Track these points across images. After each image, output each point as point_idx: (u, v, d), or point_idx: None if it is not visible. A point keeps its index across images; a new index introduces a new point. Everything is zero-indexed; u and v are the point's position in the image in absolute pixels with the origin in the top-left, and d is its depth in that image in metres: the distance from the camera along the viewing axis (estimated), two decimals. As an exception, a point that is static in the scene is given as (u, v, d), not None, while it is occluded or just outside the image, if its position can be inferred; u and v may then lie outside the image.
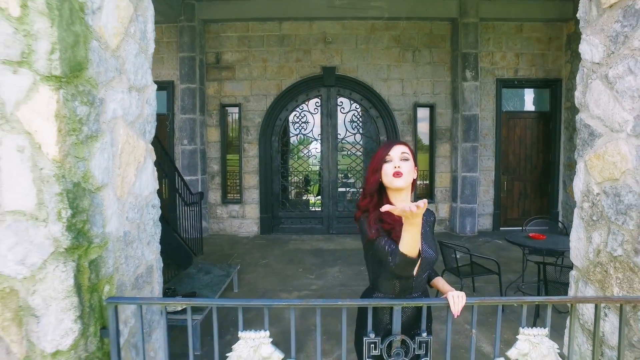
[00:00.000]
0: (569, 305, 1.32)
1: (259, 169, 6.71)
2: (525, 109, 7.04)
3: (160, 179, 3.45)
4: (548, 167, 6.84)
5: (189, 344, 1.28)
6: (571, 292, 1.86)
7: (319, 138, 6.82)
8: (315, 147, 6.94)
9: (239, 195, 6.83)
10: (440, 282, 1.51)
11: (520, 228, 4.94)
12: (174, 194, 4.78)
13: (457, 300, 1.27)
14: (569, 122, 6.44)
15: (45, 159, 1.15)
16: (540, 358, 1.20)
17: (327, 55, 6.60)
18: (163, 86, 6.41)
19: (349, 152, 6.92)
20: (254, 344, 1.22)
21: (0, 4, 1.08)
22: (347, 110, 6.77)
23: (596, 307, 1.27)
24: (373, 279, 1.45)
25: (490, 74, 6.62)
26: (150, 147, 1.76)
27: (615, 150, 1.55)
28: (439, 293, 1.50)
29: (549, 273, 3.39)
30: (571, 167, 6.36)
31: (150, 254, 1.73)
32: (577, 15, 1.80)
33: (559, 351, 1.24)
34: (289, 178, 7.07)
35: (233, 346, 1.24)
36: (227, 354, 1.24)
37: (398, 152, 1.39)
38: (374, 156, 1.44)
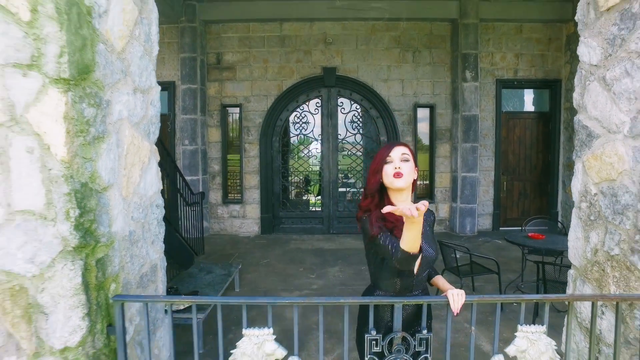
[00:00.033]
0: (567, 303, 1.34)
1: (260, 169, 6.73)
2: (524, 110, 7.06)
3: (161, 179, 3.48)
4: (547, 167, 6.87)
5: (194, 341, 1.31)
6: (569, 290, 1.89)
7: (320, 138, 6.84)
8: (316, 148, 6.96)
9: (239, 195, 6.85)
10: (440, 280, 1.53)
11: (520, 228, 4.96)
12: (175, 194, 4.81)
13: (456, 298, 1.29)
14: (569, 122, 6.46)
15: (54, 160, 1.18)
16: (538, 355, 1.22)
17: (327, 56, 6.63)
18: (164, 87, 6.43)
19: (349, 153, 6.94)
20: (258, 340, 1.25)
21: (10, 9, 1.11)
22: (348, 110, 6.80)
23: (593, 305, 1.30)
24: (374, 277, 1.47)
25: (490, 75, 6.65)
26: (155, 147, 1.79)
27: (612, 151, 1.57)
28: (439, 291, 1.53)
29: (548, 272, 3.41)
30: (570, 167, 6.39)
31: (155, 253, 1.75)
32: (576, 17, 1.83)
33: (556, 348, 1.26)
34: (290, 178, 7.10)
35: (237, 343, 1.26)
36: (231, 351, 1.27)
37: (398, 153, 1.42)
38: (375, 157, 1.46)
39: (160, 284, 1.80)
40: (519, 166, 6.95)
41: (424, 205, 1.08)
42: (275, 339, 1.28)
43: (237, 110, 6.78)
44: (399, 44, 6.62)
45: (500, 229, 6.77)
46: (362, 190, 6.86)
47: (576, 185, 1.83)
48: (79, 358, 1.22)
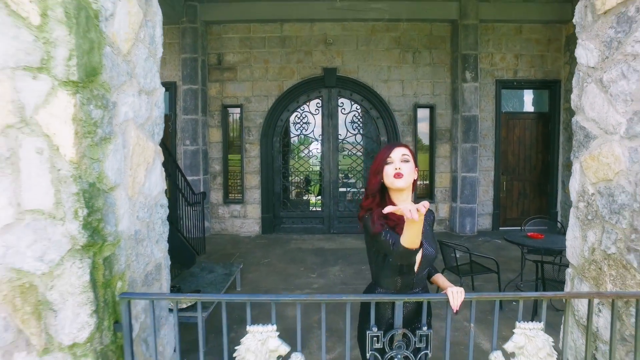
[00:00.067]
0: (564, 301, 1.37)
1: (261, 169, 6.76)
2: (524, 110, 7.09)
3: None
4: (547, 167, 6.90)
5: (199, 337, 1.33)
6: (567, 289, 1.91)
7: (320, 138, 6.88)
8: (316, 148, 6.99)
9: (240, 195, 6.88)
10: (440, 278, 1.56)
11: (520, 228, 4.99)
12: (177, 193, 4.83)
13: (456, 295, 1.33)
14: (568, 122, 6.49)
15: (63, 161, 1.21)
16: (535, 351, 1.25)
17: (328, 57, 6.66)
18: (165, 87, 6.30)
19: (349, 153, 6.98)
20: (262, 337, 1.27)
21: (21, 14, 1.14)
22: (348, 110, 6.83)
23: (589, 302, 1.33)
24: (376, 275, 1.50)
25: (489, 75, 6.68)
26: (159, 148, 1.81)
27: (609, 151, 1.60)
28: (439, 289, 1.56)
29: (547, 272, 3.45)
30: (570, 167, 6.40)
31: (159, 252, 1.78)
32: (574, 20, 1.86)
33: (553, 344, 1.29)
34: (290, 178, 7.13)
35: (242, 339, 1.29)
36: (235, 347, 1.30)
37: (399, 154, 1.45)
38: (376, 158, 1.49)
39: (164, 283, 1.83)
40: (519, 166, 6.98)
41: (424, 207, 1.10)
42: (279, 336, 1.31)
43: (238, 110, 6.81)
44: (399, 44, 6.65)
45: (500, 228, 6.80)
46: (362, 190, 6.92)
47: (574, 185, 1.86)
48: (87, 354, 1.25)
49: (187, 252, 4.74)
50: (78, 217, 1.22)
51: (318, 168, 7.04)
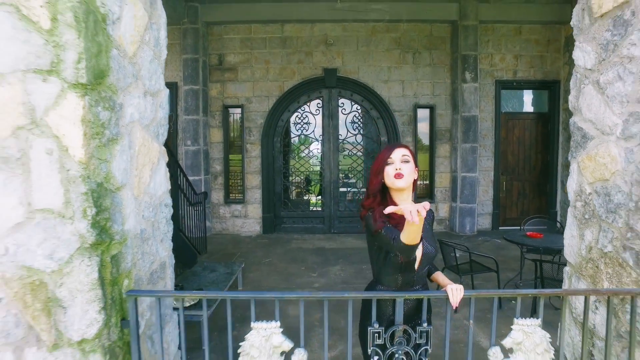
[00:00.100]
0: (561, 298, 1.40)
1: (261, 169, 6.79)
2: (524, 110, 7.12)
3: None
4: (546, 167, 6.93)
5: (203, 333, 1.36)
6: (565, 287, 1.94)
7: (321, 139, 6.91)
8: (317, 148, 7.02)
9: (241, 195, 6.91)
10: (440, 276, 1.59)
11: (519, 227, 5.02)
12: (178, 193, 4.86)
13: (455, 292, 1.36)
14: (567, 123, 6.46)
15: (72, 161, 1.24)
16: (533, 346, 1.28)
17: (328, 57, 6.69)
18: (167, 87, 6.48)
19: (350, 153, 7.01)
20: (266, 333, 1.31)
21: (32, 18, 1.17)
22: (348, 111, 6.86)
23: (585, 299, 1.36)
24: (377, 273, 1.53)
25: (489, 76, 6.71)
26: (163, 149, 1.85)
27: (605, 152, 1.63)
28: (439, 287, 1.59)
29: (545, 270, 3.48)
30: (569, 167, 6.44)
31: (164, 251, 1.81)
32: (571, 23, 1.89)
33: (550, 340, 1.32)
34: (291, 178, 7.16)
35: (246, 336, 1.32)
36: (240, 343, 1.33)
37: (399, 155, 1.48)
38: (377, 159, 1.53)
39: (168, 281, 1.86)
40: (518, 166, 7.01)
41: (424, 208, 1.13)
42: (282, 332, 1.34)
43: (238, 110, 6.84)
44: (399, 45, 6.68)
45: (500, 228, 6.83)
46: (362, 190, 6.94)
47: (572, 185, 1.90)
48: (95, 350, 1.28)
49: (189, 252, 4.77)
50: (87, 216, 1.25)
51: (318, 168, 7.07)
